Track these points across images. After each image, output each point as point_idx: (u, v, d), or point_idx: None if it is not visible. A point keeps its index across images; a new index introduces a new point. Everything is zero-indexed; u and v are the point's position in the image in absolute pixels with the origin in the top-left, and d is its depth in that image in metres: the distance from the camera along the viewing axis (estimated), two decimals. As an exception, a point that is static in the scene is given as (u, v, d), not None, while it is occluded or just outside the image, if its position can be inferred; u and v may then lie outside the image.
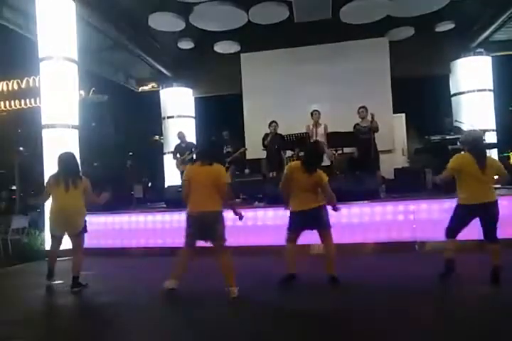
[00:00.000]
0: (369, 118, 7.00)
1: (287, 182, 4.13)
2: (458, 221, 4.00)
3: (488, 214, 3.86)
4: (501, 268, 3.79)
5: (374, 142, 6.89)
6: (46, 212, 6.31)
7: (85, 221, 4.64)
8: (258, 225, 6.13)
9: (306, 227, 4.16)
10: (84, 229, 4.63)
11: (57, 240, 4.69)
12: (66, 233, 4.62)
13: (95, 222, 6.82)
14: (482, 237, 3.95)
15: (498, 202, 3.88)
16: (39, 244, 6.96)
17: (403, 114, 10.77)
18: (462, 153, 4.16)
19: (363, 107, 7.03)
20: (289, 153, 8.02)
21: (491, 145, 8.29)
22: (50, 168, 5.97)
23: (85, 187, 4.57)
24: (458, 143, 7.44)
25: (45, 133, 6.85)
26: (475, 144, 3.94)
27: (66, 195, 4.44)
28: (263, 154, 8.16)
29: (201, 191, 3.84)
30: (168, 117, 11.55)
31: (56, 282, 4.78)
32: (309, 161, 4.12)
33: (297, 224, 4.13)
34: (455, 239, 4.05)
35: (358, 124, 7.14)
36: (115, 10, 8.27)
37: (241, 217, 4.03)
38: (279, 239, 4.37)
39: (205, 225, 3.85)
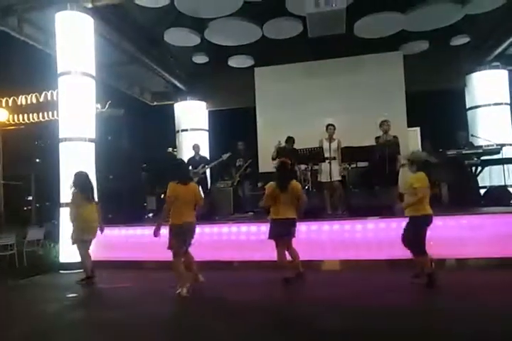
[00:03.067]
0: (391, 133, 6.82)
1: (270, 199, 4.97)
2: None
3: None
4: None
5: (397, 156, 6.68)
6: (62, 225, 6.40)
7: None
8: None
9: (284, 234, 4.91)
10: None
11: (87, 244, 5.45)
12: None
13: (109, 234, 6.84)
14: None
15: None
16: (54, 256, 7.00)
17: (418, 128, 10.67)
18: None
19: (387, 121, 6.87)
20: (302, 167, 7.96)
21: (509, 160, 8.12)
22: (67, 180, 6.05)
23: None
24: (474, 158, 7.36)
25: (62, 146, 6.95)
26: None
27: (89, 207, 5.36)
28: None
29: (185, 206, 4.66)
30: (182, 130, 11.66)
31: (70, 295, 4.80)
32: (279, 182, 4.91)
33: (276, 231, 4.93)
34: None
35: (380, 137, 6.90)
36: (132, 26, 8.47)
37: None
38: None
39: (187, 233, 4.66)
